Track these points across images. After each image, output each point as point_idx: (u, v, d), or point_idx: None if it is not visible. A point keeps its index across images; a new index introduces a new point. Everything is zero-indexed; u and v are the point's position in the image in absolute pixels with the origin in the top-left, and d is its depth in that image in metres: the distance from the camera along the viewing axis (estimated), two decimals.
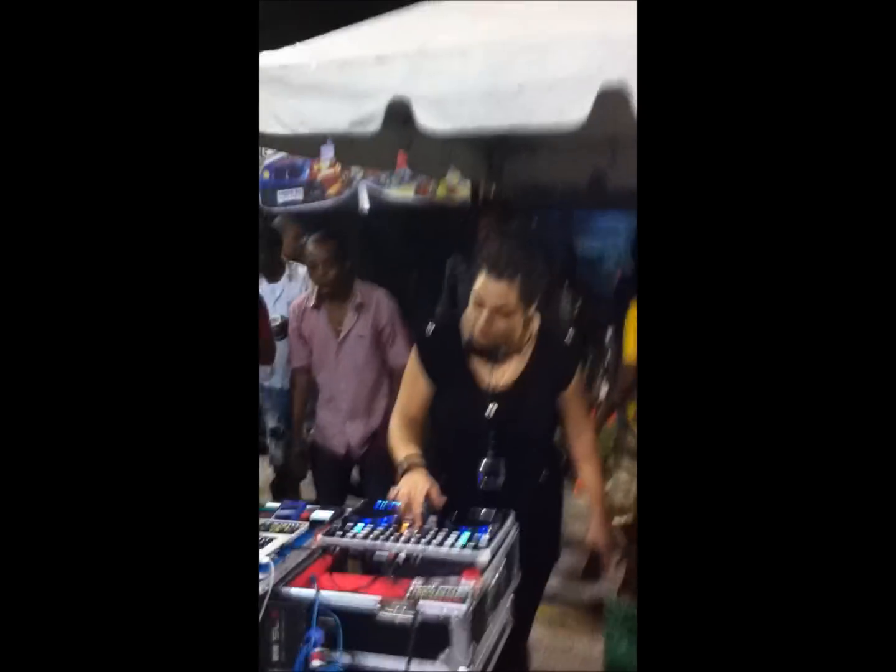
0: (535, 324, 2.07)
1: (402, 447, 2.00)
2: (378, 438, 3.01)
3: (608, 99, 2.09)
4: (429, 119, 2.32)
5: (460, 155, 3.97)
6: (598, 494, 2.18)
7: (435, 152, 3.77)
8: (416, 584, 1.55)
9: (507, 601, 1.78)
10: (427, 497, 1.78)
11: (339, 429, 3.15)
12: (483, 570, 1.60)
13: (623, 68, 2.02)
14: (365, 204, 6.00)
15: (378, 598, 1.51)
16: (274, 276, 3.99)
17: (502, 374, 2.04)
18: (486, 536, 1.68)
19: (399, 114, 2.35)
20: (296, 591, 1.53)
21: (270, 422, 4.03)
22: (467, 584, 1.54)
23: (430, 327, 2.13)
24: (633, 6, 2.21)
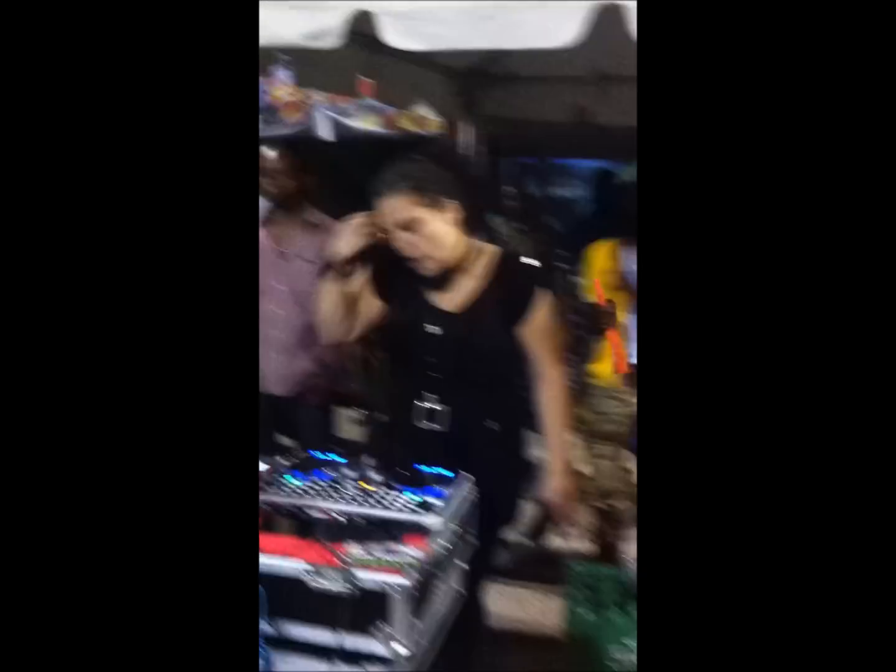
0: (490, 249, 1.94)
1: None
2: (319, 379, 2.78)
3: (601, 22, 1.89)
4: (396, 37, 2.10)
5: (430, 86, 3.70)
6: (558, 445, 1.96)
7: (402, 82, 3.51)
8: (353, 549, 1.38)
9: (458, 573, 1.62)
10: None
11: (273, 365, 2.76)
12: (431, 537, 1.44)
13: None
14: (327, 133, 5.65)
15: (309, 564, 1.34)
16: None
17: (453, 298, 1.90)
18: (438, 498, 1.52)
19: (363, 31, 2.12)
20: None
21: None
22: (412, 553, 1.38)
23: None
24: None
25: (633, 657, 1.96)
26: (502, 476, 1.91)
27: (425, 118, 5.43)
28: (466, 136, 4.13)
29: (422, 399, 1.87)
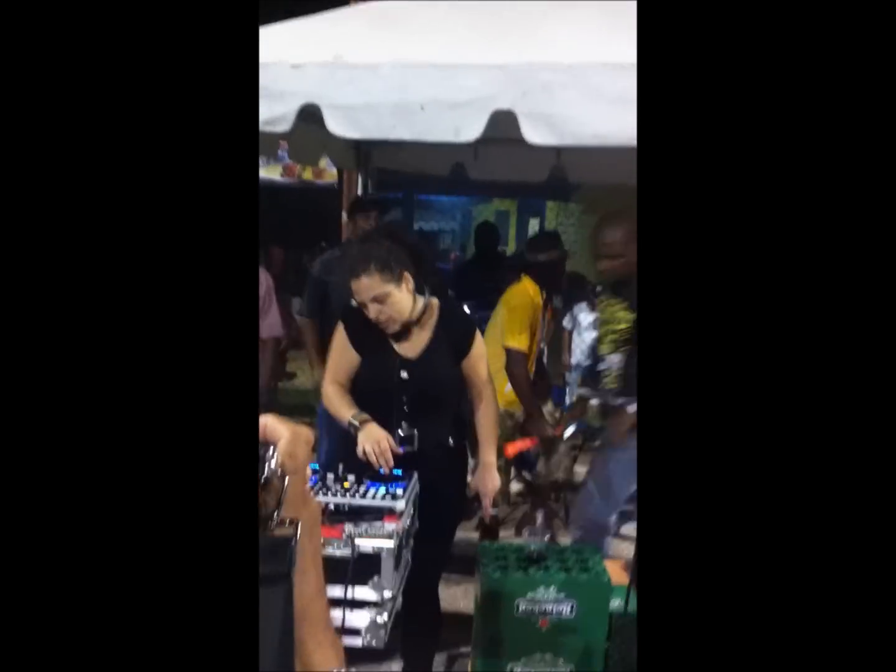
0: (434, 303, 2.45)
1: (345, 408, 2.33)
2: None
3: (495, 121, 2.47)
4: (338, 125, 2.60)
5: (333, 144, 4.21)
6: (492, 447, 2.51)
7: (312, 141, 3.99)
8: (349, 526, 1.89)
9: (411, 541, 2.16)
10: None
11: None
12: (400, 515, 1.97)
13: (513, 95, 2.41)
14: None
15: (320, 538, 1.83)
16: None
17: (411, 346, 2.41)
18: (400, 490, 2.05)
19: (310, 117, 2.61)
20: None
21: None
22: (391, 526, 1.90)
23: (353, 302, 2.40)
24: (523, 41, 2.59)
25: (537, 606, 2.49)
26: (455, 479, 2.50)
27: (324, 170, 5.97)
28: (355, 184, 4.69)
29: (399, 427, 2.36)
